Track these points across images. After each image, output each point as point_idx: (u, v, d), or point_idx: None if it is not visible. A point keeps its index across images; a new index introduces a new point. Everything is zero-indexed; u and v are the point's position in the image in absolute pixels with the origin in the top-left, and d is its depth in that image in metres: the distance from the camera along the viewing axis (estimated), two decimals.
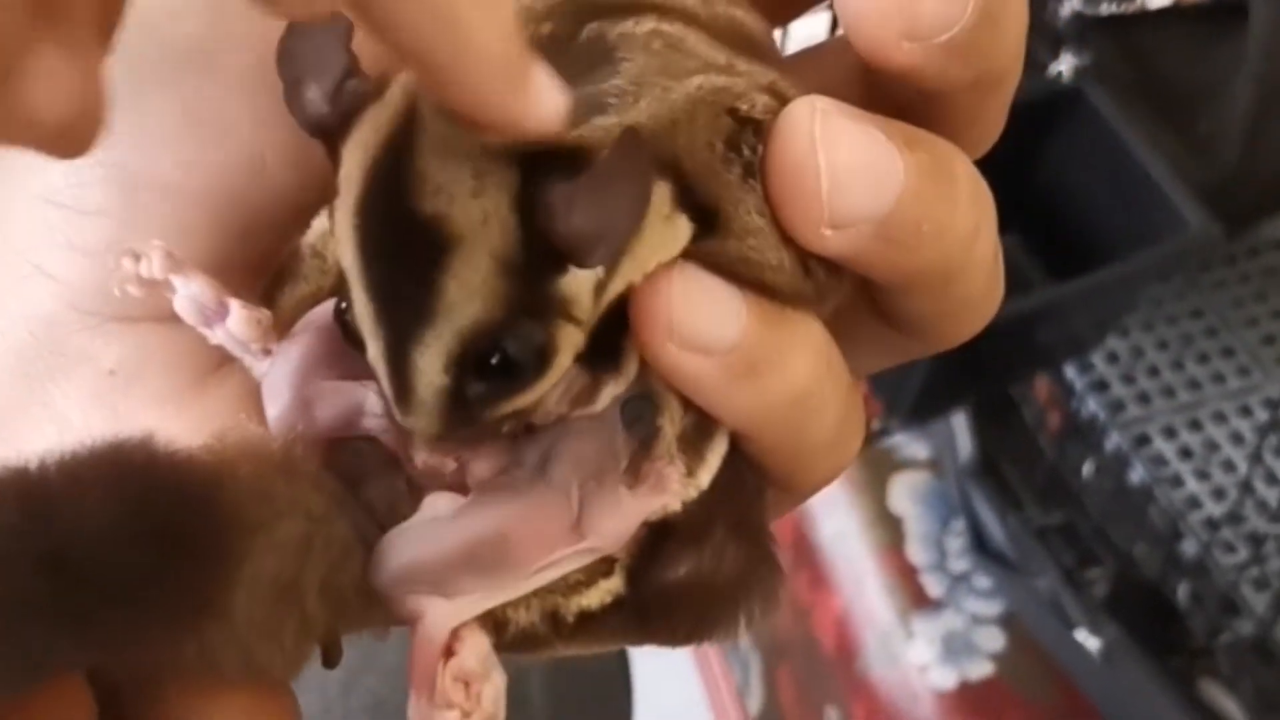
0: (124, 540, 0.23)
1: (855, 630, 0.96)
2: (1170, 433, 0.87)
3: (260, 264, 0.29)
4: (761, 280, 0.26)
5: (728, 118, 0.26)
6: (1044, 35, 0.77)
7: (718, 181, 0.26)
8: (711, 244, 0.26)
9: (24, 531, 0.23)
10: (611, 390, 0.26)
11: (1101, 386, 0.87)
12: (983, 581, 0.93)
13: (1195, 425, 0.87)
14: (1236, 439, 0.87)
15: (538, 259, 0.24)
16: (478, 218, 0.23)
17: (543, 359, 0.25)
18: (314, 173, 0.28)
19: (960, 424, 0.91)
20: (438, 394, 0.24)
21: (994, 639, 0.91)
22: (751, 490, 0.29)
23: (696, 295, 0.26)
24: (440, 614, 0.26)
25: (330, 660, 0.28)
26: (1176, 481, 0.85)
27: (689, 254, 0.26)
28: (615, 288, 0.25)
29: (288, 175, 0.28)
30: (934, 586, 0.93)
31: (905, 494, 0.97)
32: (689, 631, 0.29)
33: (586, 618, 0.28)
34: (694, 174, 0.25)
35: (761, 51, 0.28)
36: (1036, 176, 0.79)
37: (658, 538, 0.28)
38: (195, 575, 0.24)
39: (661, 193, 0.25)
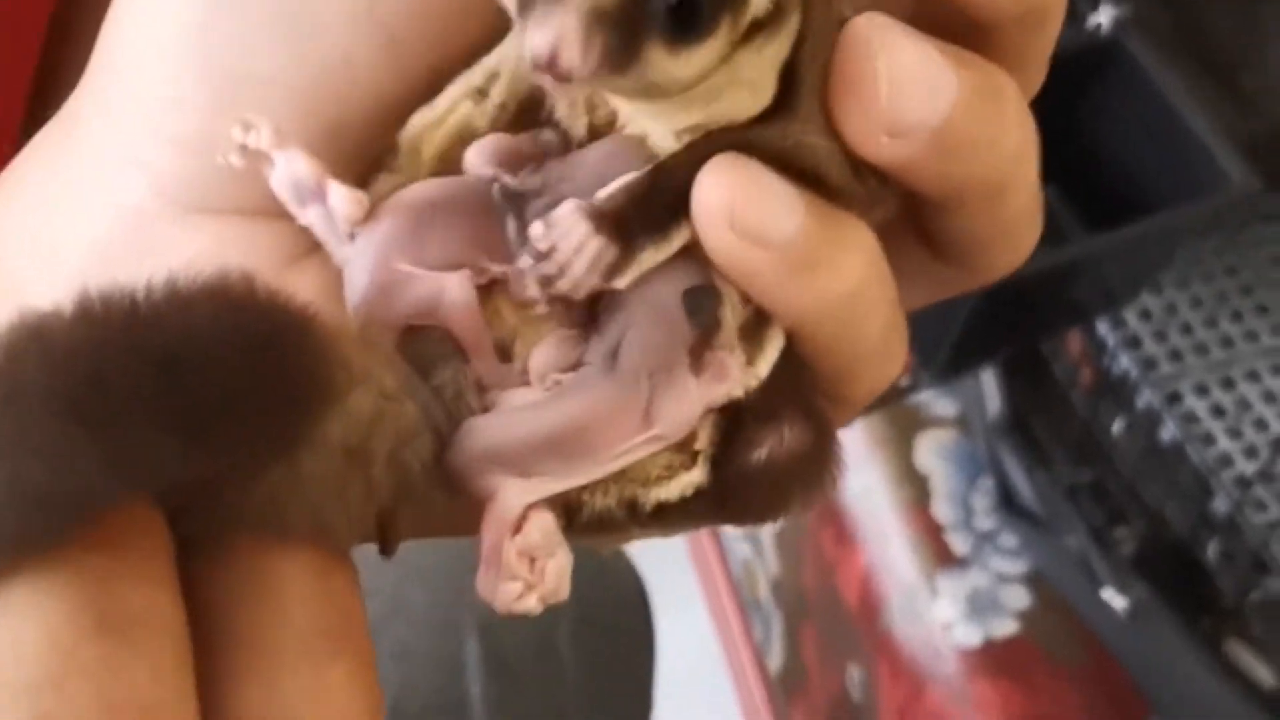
0: (227, 353, 0.24)
1: (880, 587, 0.96)
2: (1202, 390, 0.86)
3: (347, 160, 0.29)
4: (817, 173, 0.28)
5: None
6: None
7: (810, 55, 0.27)
8: (777, 126, 0.27)
9: (137, 334, 0.23)
10: (649, 258, 0.27)
11: (1134, 343, 0.87)
12: (1009, 540, 0.92)
13: (1228, 383, 0.86)
14: (1269, 397, 0.86)
15: None
16: None
17: (714, 19, 0.25)
18: (403, 74, 0.29)
19: (989, 381, 0.91)
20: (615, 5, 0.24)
21: (1019, 597, 0.91)
22: (808, 378, 0.30)
23: (757, 187, 0.27)
24: (513, 492, 0.27)
25: (388, 545, 0.28)
26: (1208, 439, 0.84)
27: (752, 144, 0.27)
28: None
29: (378, 75, 0.29)
30: (959, 544, 0.93)
31: (932, 451, 0.97)
32: (763, 511, 0.30)
33: (664, 507, 0.29)
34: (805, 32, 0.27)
35: None
36: (1075, 129, 0.78)
37: (732, 426, 0.29)
38: (290, 399, 0.25)
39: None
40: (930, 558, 0.93)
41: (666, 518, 0.29)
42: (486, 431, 0.28)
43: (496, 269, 0.28)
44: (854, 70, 0.27)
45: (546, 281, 0.27)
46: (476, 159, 0.29)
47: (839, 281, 0.28)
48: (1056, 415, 0.89)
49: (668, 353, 0.27)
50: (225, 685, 0.25)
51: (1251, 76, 0.80)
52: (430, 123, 0.29)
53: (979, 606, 0.91)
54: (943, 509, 0.95)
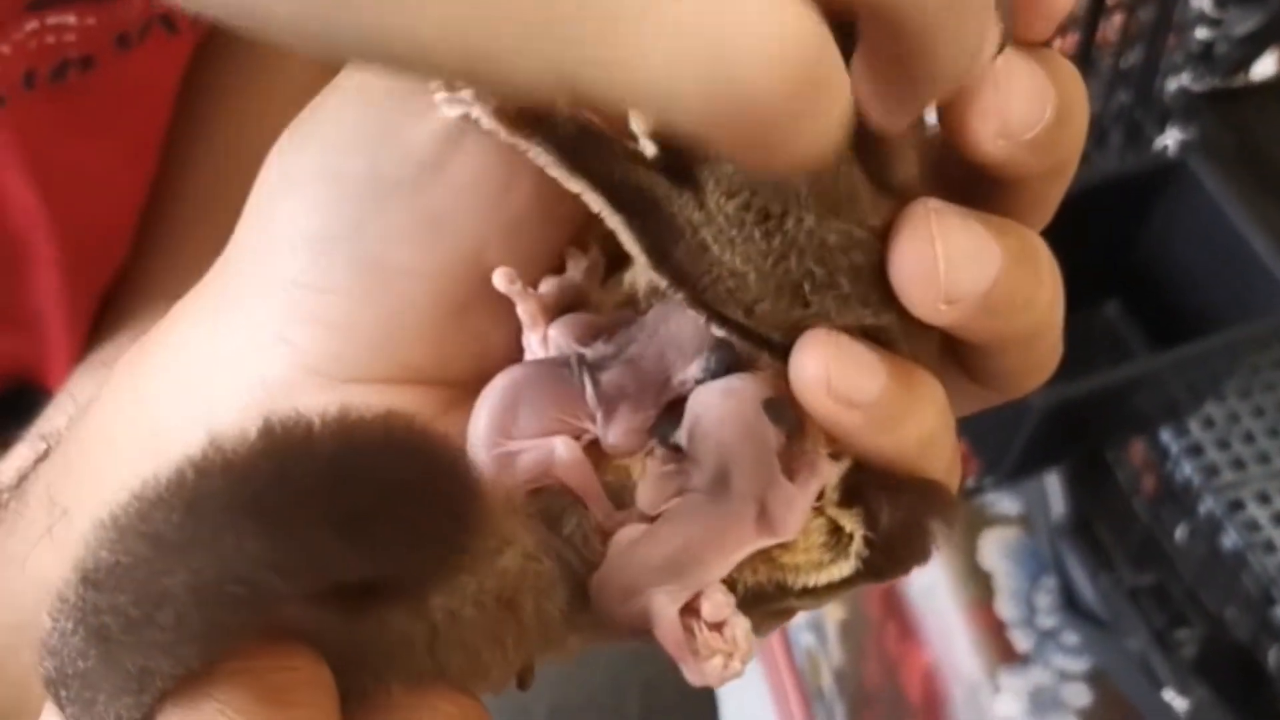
0: (390, 467, 0.26)
1: (943, 683, 0.97)
2: (1264, 498, 0.88)
3: (476, 336, 0.33)
4: (880, 340, 0.32)
5: None
6: (1150, 109, 0.79)
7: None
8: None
9: (312, 447, 0.26)
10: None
11: (1196, 451, 0.88)
12: (1071, 638, 0.93)
13: None
14: None
15: None
16: None
17: None
18: (524, 257, 0.33)
19: (1053, 483, 0.92)
20: None
21: (1081, 695, 0.92)
22: None
23: (848, 357, 0.31)
24: (663, 601, 0.31)
25: (525, 682, 0.32)
26: (1269, 547, 0.86)
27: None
28: None
29: (505, 260, 0.32)
30: (1022, 642, 0.94)
31: (995, 550, 0.98)
32: (906, 566, 0.33)
33: (812, 589, 0.32)
34: None
35: None
36: (1140, 247, 0.81)
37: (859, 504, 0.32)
38: (445, 517, 0.27)
39: None
40: (993, 654, 0.94)
41: (817, 594, 0.32)
42: (616, 573, 0.31)
43: (589, 426, 0.32)
44: (915, 253, 0.31)
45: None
46: (558, 335, 0.33)
47: (917, 429, 0.31)
48: (1119, 519, 0.90)
49: (766, 467, 0.31)
50: None
51: None
52: None
53: (1041, 704, 0.92)
54: (1006, 607, 0.96)
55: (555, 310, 0.33)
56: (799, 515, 0.31)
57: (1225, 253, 0.78)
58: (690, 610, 0.31)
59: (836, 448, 0.32)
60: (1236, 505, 0.87)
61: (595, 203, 0.30)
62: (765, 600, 0.32)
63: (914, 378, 0.32)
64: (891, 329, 0.32)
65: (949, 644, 0.97)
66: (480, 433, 0.32)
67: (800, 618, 1.23)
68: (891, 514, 0.32)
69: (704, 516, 0.31)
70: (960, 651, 0.96)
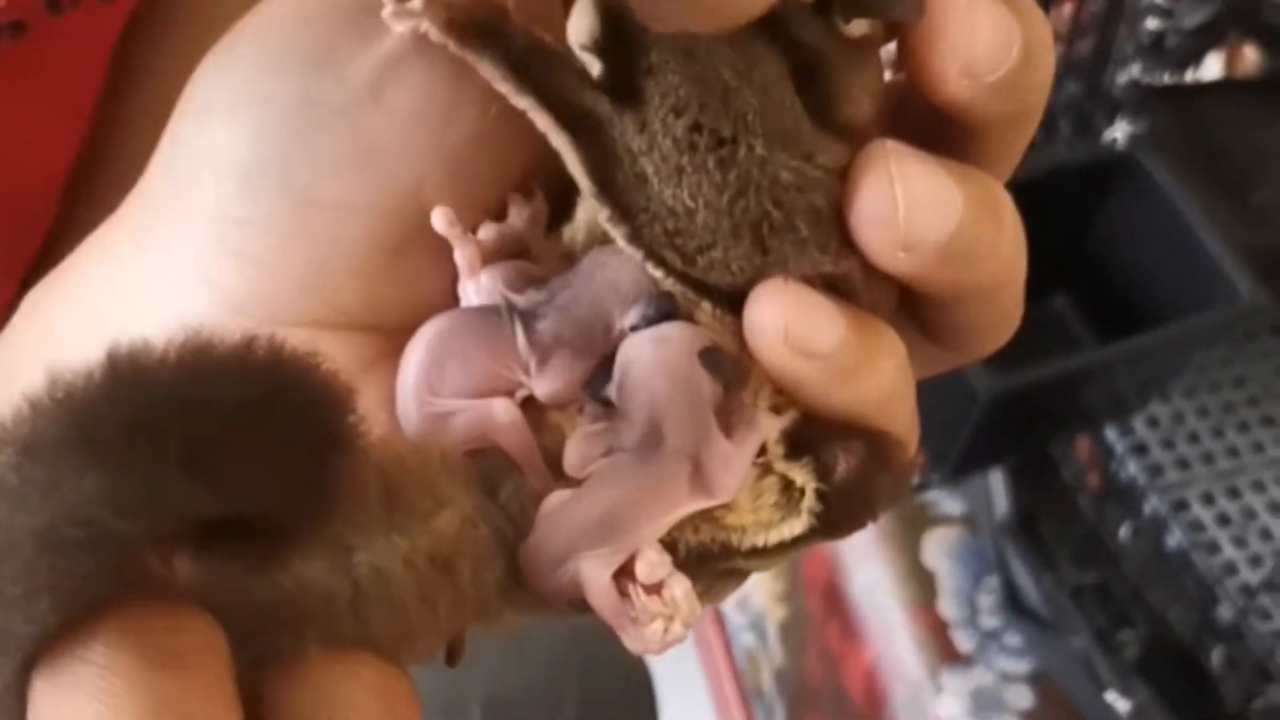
0: (238, 393, 0.25)
1: (884, 682, 0.96)
2: (1209, 499, 0.87)
3: (409, 279, 0.31)
4: (838, 290, 0.30)
5: None
6: (1101, 102, 0.78)
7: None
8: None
9: (156, 379, 0.24)
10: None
11: (1141, 450, 0.88)
12: (1013, 639, 0.93)
13: (1234, 493, 0.88)
14: (1274, 508, 0.87)
15: None
16: None
17: None
18: (465, 199, 0.31)
19: (997, 481, 0.92)
20: None
21: (1023, 697, 0.91)
22: None
23: (806, 306, 0.29)
24: (594, 566, 0.29)
25: (454, 657, 0.30)
26: (1213, 548, 0.85)
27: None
28: None
29: (444, 200, 0.31)
30: (964, 642, 0.93)
31: (938, 549, 0.98)
32: (856, 524, 0.31)
33: (761, 549, 0.30)
34: None
35: None
36: (1089, 240, 0.80)
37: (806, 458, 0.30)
38: (303, 445, 0.26)
39: None
40: (935, 654, 0.94)
41: (767, 554, 0.30)
42: (544, 540, 0.29)
43: (522, 379, 0.30)
44: (873, 195, 0.29)
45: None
46: (490, 282, 0.31)
47: (876, 383, 0.30)
48: (1063, 517, 0.89)
49: (701, 422, 0.29)
50: None
51: (1261, 192, 0.82)
52: None
53: (983, 705, 0.91)
54: (948, 606, 0.95)
55: (494, 258, 0.32)
56: (735, 475, 0.30)
57: (1174, 247, 0.77)
58: (625, 574, 0.29)
59: (783, 401, 0.30)
60: (1181, 505, 0.86)
61: (542, 121, 0.29)
62: (710, 560, 0.30)
63: (874, 329, 0.30)
64: (850, 278, 0.30)
65: (891, 643, 0.96)
66: (409, 389, 0.30)
67: (740, 618, 1.22)
68: (846, 465, 0.30)
69: (634, 476, 0.29)
70: (902, 651, 0.95)
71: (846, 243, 0.30)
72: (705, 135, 0.29)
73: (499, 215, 0.32)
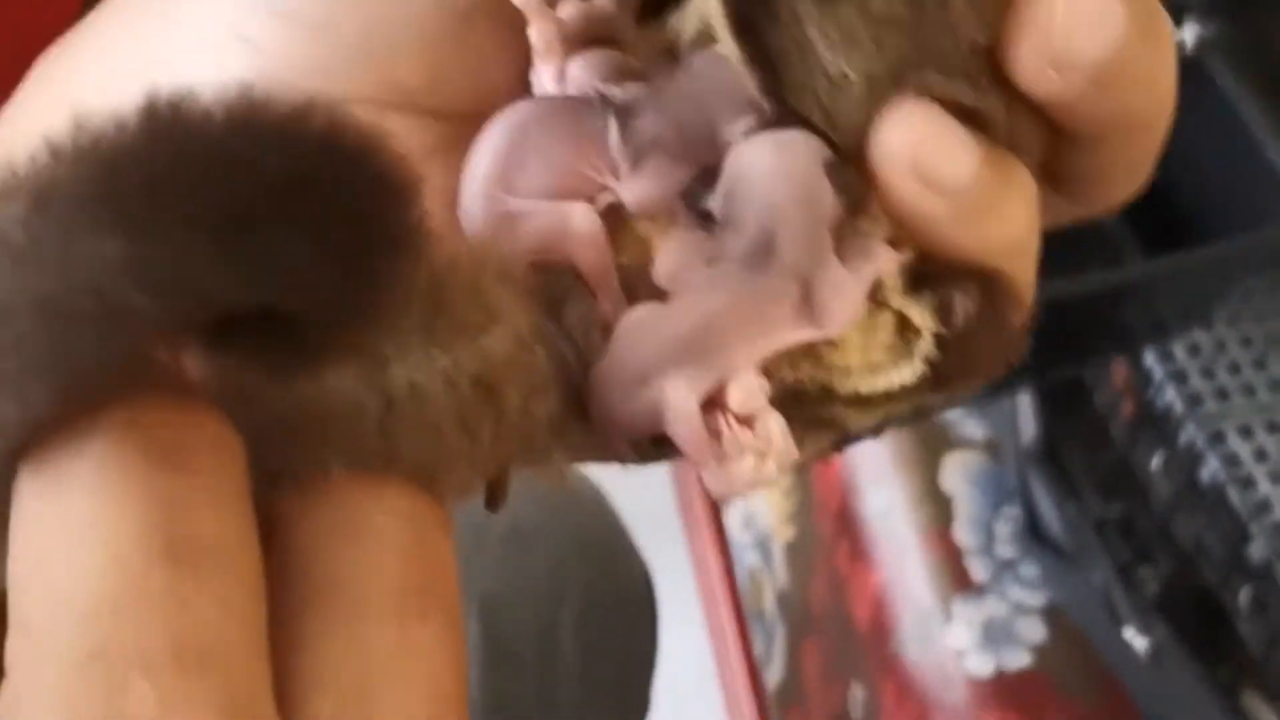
0: (290, 168, 0.21)
1: (892, 608, 0.93)
2: (1247, 432, 0.83)
3: (479, 56, 0.28)
4: (982, 114, 0.27)
5: None
6: (1168, 2, 0.74)
7: None
8: None
9: (199, 140, 0.21)
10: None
11: (1181, 378, 0.84)
12: (1029, 571, 0.90)
13: (1273, 427, 0.84)
14: None
15: None
16: None
17: None
18: None
19: (1025, 405, 0.88)
20: None
21: (1036, 630, 0.88)
22: None
23: (940, 134, 0.27)
24: (679, 390, 0.26)
25: (495, 500, 0.27)
26: (1248, 483, 0.82)
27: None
28: None
29: None
30: (979, 571, 0.91)
31: (958, 473, 0.95)
32: (971, 379, 0.29)
33: (867, 397, 0.27)
34: None
35: None
36: None
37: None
38: (371, 244, 0.22)
39: None
40: (947, 582, 0.91)
41: (870, 404, 0.28)
42: (623, 358, 0.26)
43: (609, 182, 0.27)
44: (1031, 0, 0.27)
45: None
46: (579, 71, 0.28)
47: (1005, 228, 0.28)
48: (1092, 445, 0.86)
49: (818, 240, 0.26)
50: (301, 635, 0.22)
51: None
52: None
53: (994, 636, 0.88)
54: (964, 533, 0.92)
55: (576, 42, 0.28)
56: (848, 305, 0.26)
57: (1235, 161, 0.73)
58: (713, 404, 0.26)
59: (900, 237, 0.27)
60: (1217, 437, 0.83)
61: None
62: (805, 404, 0.27)
63: (1010, 168, 0.28)
64: (993, 113, 0.27)
65: (902, 568, 0.93)
66: (478, 181, 0.27)
67: (745, 536, 1.19)
68: (965, 310, 0.27)
69: (736, 289, 0.26)
70: (913, 576, 0.92)
71: (994, 71, 0.27)
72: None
73: None
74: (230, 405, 0.22)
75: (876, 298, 0.27)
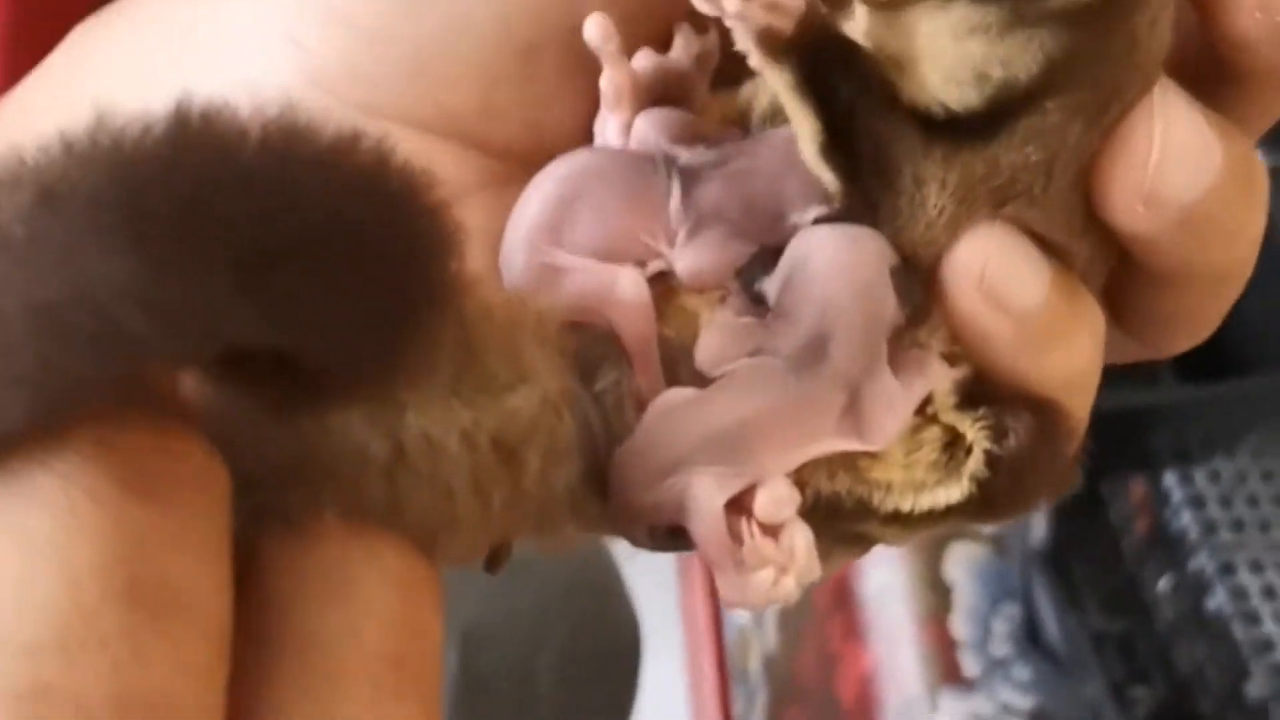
0: (322, 199, 0.19)
1: (879, 691, 0.92)
2: (1257, 567, 0.82)
3: (539, 93, 0.27)
4: (1053, 241, 0.26)
5: None
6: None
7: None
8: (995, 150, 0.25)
9: (227, 157, 0.19)
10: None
11: (1198, 503, 0.83)
12: (1022, 672, 0.89)
13: None
14: None
15: None
16: None
17: None
18: (628, 12, 0.26)
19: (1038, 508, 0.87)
20: None
21: None
22: None
23: (1012, 253, 0.26)
24: (706, 487, 0.24)
25: (495, 564, 0.25)
26: (1253, 619, 0.81)
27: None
28: None
29: (599, 3, 0.26)
30: (971, 665, 0.89)
31: (961, 564, 0.93)
32: (1018, 507, 0.27)
33: (905, 515, 0.26)
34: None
35: None
36: None
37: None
38: (391, 273, 0.20)
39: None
40: (938, 673, 0.89)
41: (909, 523, 0.26)
42: (652, 442, 0.24)
43: (663, 249, 0.26)
44: (1131, 131, 0.25)
45: None
46: (647, 127, 0.26)
47: (1069, 360, 0.26)
48: (1101, 557, 0.85)
49: (874, 348, 0.25)
50: (264, 697, 0.20)
51: None
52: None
53: None
54: (961, 625, 0.91)
55: (646, 96, 0.27)
56: (895, 420, 0.25)
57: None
58: (739, 507, 0.24)
59: (958, 354, 0.26)
60: (1228, 568, 0.82)
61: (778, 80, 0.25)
62: (838, 518, 0.26)
63: (1080, 298, 0.27)
64: (1073, 244, 0.26)
65: (894, 652, 0.92)
66: (525, 228, 0.25)
67: None
68: (1018, 435, 0.26)
69: (779, 388, 0.25)
70: (904, 662, 0.91)
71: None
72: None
73: (662, 46, 0.27)
74: (225, 436, 0.20)
75: (925, 411, 0.26)
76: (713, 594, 1.25)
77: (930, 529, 0.27)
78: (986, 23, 0.24)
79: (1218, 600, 0.79)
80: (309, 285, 0.19)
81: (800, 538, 0.25)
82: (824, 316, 0.25)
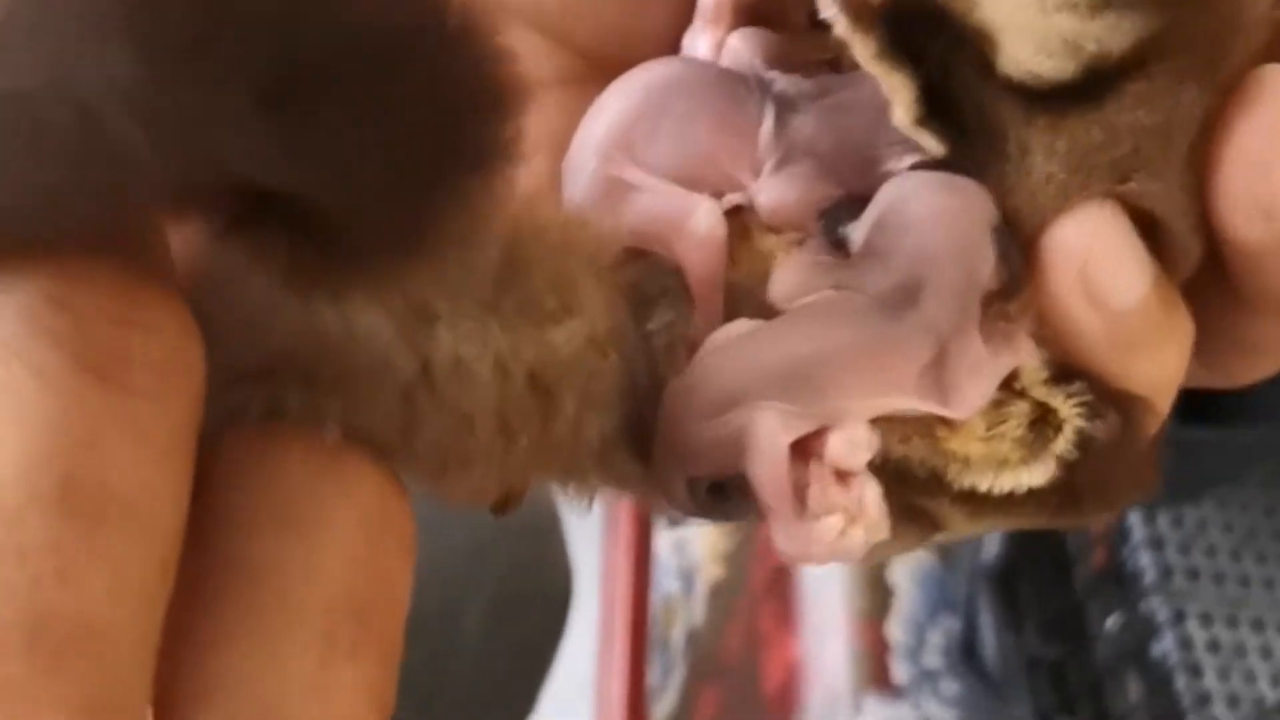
0: (399, 65, 0.16)
1: (803, 683, 0.91)
2: (1207, 620, 0.81)
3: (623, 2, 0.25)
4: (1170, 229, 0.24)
5: None
6: None
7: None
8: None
9: None
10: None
11: (1158, 544, 0.82)
12: (950, 687, 0.88)
13: (1233, 622, 0.82)
14: (1266, 653, 0.82)
15: None
16: None
17: None
18: None
19: None
20: None
21: None
22: None
23: (1120, 242, 0.24)
24: (769, 423, 0.22)
25: (506, 506, 0.23)
26: (1196, 671, 0.80)
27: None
28: None
29: None
30: (900, 673, 0.88)
31: (906, 569, 0.92)
32: (1101, 508, 0.26)
33: (980, 496, 0.24)
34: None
35: None
36: None
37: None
38: (461, 136, 0.17)
39: None
40: (866, 675, 0.88)
41: (983, 506, 0.24)
42: (708, 376, 0.22)
43: (745, 180, 0.23)
44: (1253, 130, 0.23)
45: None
46: (742, 46, 0.24)
47: (1154, 369, 0.25)
48: (1050, 582, 0.84)
49: (966, 306, 0.22)
50: (206, 631, 0.17)
51: None
52: None
53: None
54: (896, 630, 0.90)
55: (745, 16, 0.24)
56: (981, 390, 0.23)
57: None
58: (803, 453, 0.22)
59: (1042, 337, 0.24)
60: (1178, 616, 0.80)
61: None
62: (907, 487, 0.24)
63: (1175, 309, 0.25)
64: (1187, 246, 0.25)
65: (824, 647, 0.91)
66: (599, 136, 0.23)
67: (671, 559, 1.15)
68: (1108, 426, 0.24)
69: (864, 324, 0.22)
70: (834, 659, 0.90)
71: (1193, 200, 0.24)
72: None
73: None
74: (215, 301, 0.18)
75: (1011, 387, 0.24)
76: (638, 555, 1.22)
77: (1000, 520, 0.25)
78: (1074, 1, 0.22)
79: (1164, 646, 0.78)
80: (340, 113, 0.16)
81: (871, 490, 0.22)
82: (919, 263, 0.22)
